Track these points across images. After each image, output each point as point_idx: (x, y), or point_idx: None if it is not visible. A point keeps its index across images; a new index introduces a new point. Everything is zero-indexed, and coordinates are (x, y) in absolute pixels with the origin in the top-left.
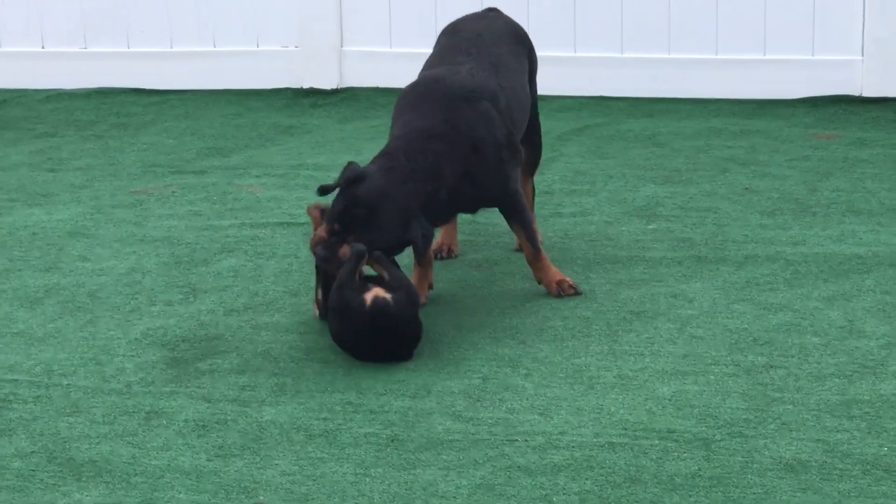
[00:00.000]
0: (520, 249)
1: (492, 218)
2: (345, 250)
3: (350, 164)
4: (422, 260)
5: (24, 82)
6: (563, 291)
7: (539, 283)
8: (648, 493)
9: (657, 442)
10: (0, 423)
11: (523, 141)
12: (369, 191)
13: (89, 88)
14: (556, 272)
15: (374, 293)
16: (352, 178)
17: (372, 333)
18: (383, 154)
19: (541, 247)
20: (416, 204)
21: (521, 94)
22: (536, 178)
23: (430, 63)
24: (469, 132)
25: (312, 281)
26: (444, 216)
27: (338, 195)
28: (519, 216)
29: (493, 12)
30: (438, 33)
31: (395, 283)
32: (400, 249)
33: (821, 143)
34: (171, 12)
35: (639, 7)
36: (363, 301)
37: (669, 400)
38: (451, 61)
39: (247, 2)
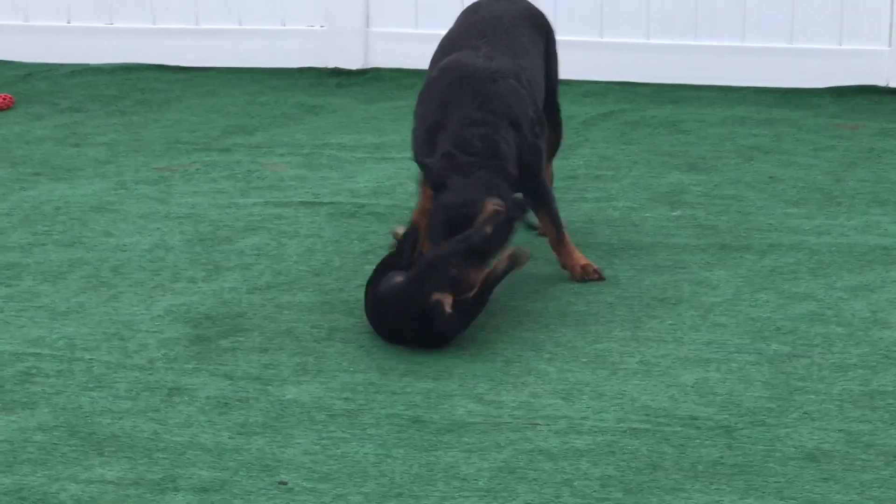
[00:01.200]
0: (543, 233)
1: None
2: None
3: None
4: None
5: (49, 57)
6: (588, 276)
7: (563, 267)
8: (670, 480)
9: (679, 429)
10: (23, 397)
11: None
12: (458, 191)
13: (114, 64)
14: (580, 257)
15: (440, 296)
16: (435, 187)
17: (402, 326)
18: (442, 156)
19: (565, 231)
20: (495, 186)
21: (538, 77)
22: (561, 162)
23: (446, 43)
24: (505, 111)
25: (340, 262)
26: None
27: (431, 212)
28: (544, 198)
29: None
30: None
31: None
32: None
33: (846, 133)
34: None
35: None
36: (428, 294)
37: (692, 387)
38: (468, 44)
39: None
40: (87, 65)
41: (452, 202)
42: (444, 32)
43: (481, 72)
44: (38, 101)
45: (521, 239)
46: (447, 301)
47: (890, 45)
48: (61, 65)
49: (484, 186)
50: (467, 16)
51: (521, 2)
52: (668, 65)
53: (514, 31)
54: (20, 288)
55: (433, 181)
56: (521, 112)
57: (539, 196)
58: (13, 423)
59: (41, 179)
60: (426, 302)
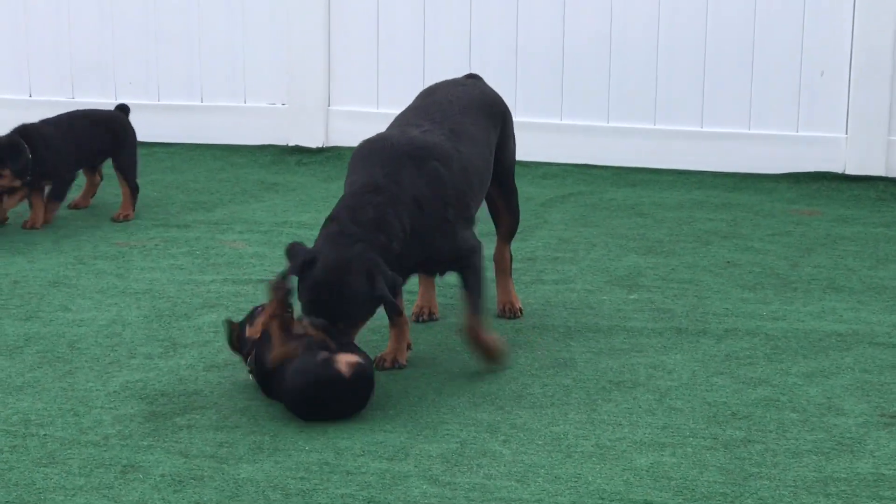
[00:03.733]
0: (501, 315)
1: None
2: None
3: (293, 245)
4: (395, 312)
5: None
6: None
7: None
8: None
9: None
10: None
11: (500, 208)
12: (325, 269)
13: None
14: (493, 338)
15: (346, 359)
16: (305, 264)
17: (355, 397)
18: (329, 220)
19: (481, 315)
20: (372, 260)
21: (481, 165)
22: (519, 244)
23: (396, 122)
24: (411, 188)
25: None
26: (402, 272)
27: (299, 284)
28: (469, 278)
29: (472, 79)
30: None
31: (344, 345)
32: (374, 312)
33: (803, 218)
34: (160, 65)
35: (625, 78)
36: (338, 370)
37: (647, 471)
38: (412, 123)
39: (235, 58)
40: None
41: (318, 281)
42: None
43: (404, 146)
44: None
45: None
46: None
47: (847, 133)
48: None
49: (355, 272)
50: (422, 97)
51: (478, 88)
52: (626, 148)
53: (463, 117)
54: None
55: (302, 256)
56: (432, 192)
57: (466, 275)
58: None
59: None
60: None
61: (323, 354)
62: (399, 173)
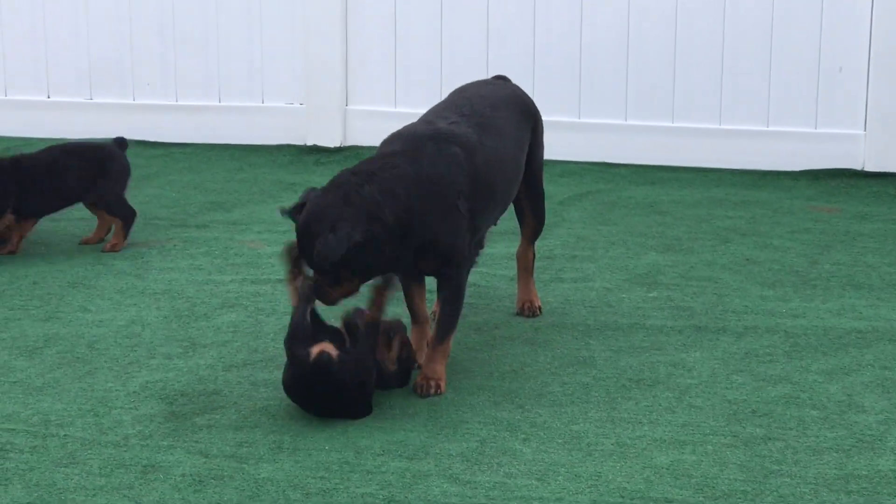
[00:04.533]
0: (521, 313)
1: (493, 281)
2: (291, 289)
3: (307, 189)
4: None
5: (28, 131)
6: (424, 390)
7: (420, 367)
8: None
9: None
10: None
11: (525, 209)
12: (306, 215)
13: (93, 139)
14: (440, 372)
15: (321, 348)
16: (295, 208)
17: (310, 388)
18: (342, 171)
19: (445, 342)
20: (357, 218)
21: (510, 161)
22: (538, 242)
23: (423, 117)
24: (430, 166)
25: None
26: (393, 252)
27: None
28: (447, 294)
29: (501, 80)
30: (442, 94)
31: (352, 343)
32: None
33: (822, 215)
34: (178, 66)
35: (644, 76)
36: (308, 354)
37: (667, 469)
38: (440, 116)
39: (253, 58)
40: (66, 139)
41: (298, 227)
42: (421, 111)
43: (426, 131)
44: None
45: (501, 319)
46: (325, 347)
47: (865, 129)
48: (40, 139)
49: (329, 217)
50: (453, 94)
51: (509, 87)
52: (645, 146)
53: (494, 112)
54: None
55: (302, 197)
56: (449, 175)
57: (448, 285)
58: None
59: (17, 254)
60: (308, 354)
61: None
62: (418, 150)
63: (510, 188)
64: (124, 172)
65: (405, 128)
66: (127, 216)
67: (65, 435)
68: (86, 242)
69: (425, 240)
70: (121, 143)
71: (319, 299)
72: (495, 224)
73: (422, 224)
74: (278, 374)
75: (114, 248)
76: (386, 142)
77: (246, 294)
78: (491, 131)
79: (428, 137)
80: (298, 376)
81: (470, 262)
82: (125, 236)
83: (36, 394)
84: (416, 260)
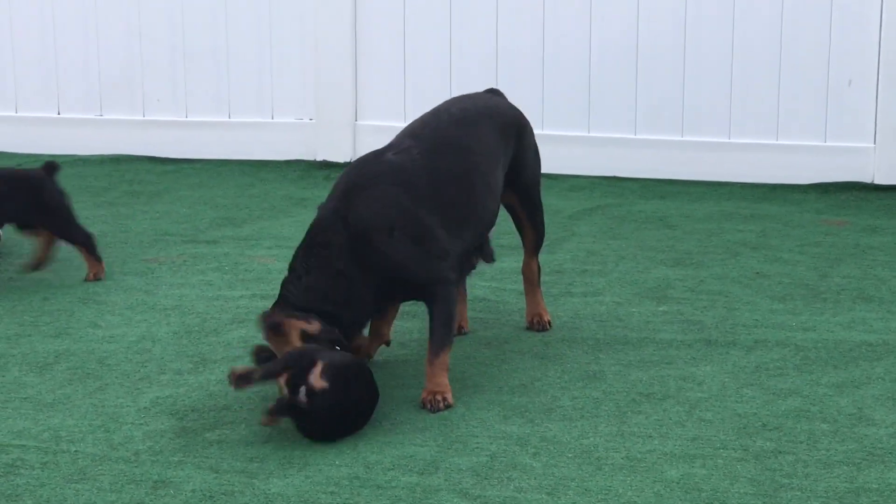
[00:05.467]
0: (530, 328)
1: (502, 295)
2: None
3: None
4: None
5: (39, 147)
6: (432, 405)
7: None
8: None
9: None
10: (7, 489)
11: (522, 222)
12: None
13: (103, 155)
14: (444, 385)
15: (308, 387)
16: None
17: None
18: (285, 281)
19: (442, 355)
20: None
21: (473, 177)
22: (548, 256)
23: (397, 136)
24: (355, 221)
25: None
26: (366, 298)
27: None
28: (434, 309)
29: (492, 93)
30: None
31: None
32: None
33: (832, 229)
34: (188, 81)
35: (653, 90)
36: (301, 401)
37: (678, 483)
38: (399, 139)
39: (263, 74)
40: (77, 156)
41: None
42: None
43: (359, 176)
44: None
45: (511, 334)
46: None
47: (875, 142)
48: (51, 155)
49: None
50: (429, 111)
51: (490, 101)
52: (655, 160)
53: (460, 129)
54: (6, 379)
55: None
56: (376, 218)
57: (434, 303)
58: None
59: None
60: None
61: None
62: (346, 207)
63: (480, 202)
64: (59, 198)
65: (353, 164)
66: (84, 240)
67: (75, 451)
68: (31, 268)
69: (389, 275)
70: (50, 167)
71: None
72: (485, 239)
73: (371, 270)
74: None
75: (97, 277)
76: (336, 183)
77: (256, 309)
78: (449, 150)
79: (355, 185)
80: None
81: (451, 280)
82: (96, 259)
83: (46, 410)
84: (392, 293)
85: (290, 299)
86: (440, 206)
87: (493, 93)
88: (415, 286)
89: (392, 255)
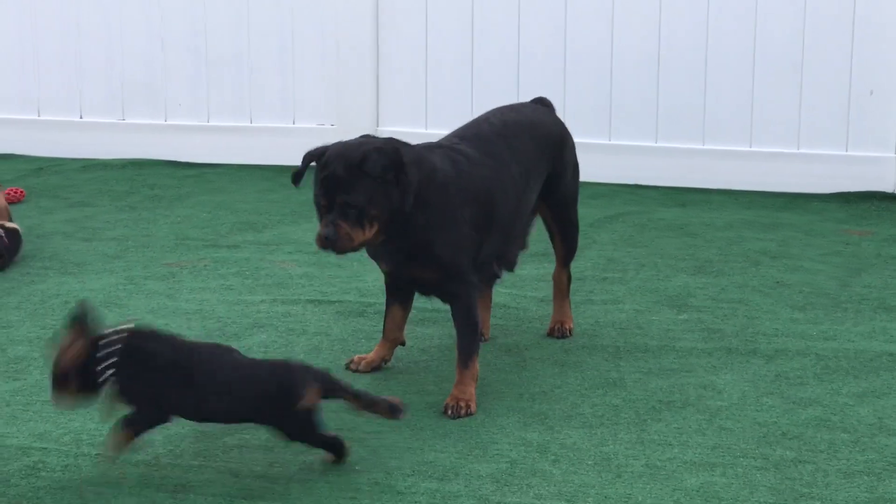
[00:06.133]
0: (551, 334)
1: (523, 303)
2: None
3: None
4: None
5: (61, 151)
6: (455, 411)
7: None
8: None
9: None
10: (28, 491)
11: (555, 236)
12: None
13: (125, 159)
14: (470, 394)
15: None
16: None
17: None
18: None
19: (471, 364)
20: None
21: (508, 190)
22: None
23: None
24: (445, 171)
25: (340, 359)
26: (391, 230)
27: None
28: (458, 309)
29: (540, 103)
30: (472, 116)
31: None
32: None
33: (853, 238)
34: (210, 86)
35: (673, 98)
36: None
37: (697, 491)
38: (451, 137)
39: (285, 79)
40: (98, 160)
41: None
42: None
43: (446, 142)
44: (48, 195)
45: (531, 341)
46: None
47: None
48: (73, 159)
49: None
50: (472, 121)
51: (531, 113)
52: (675, 168)
53: (501, 140)
54: (27, 381)
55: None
56: (453, 182)
57: (454, 314)
58: None
59: (50, 273)
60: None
61: None
62: (443, 153)
63: (509, 216)
64: None
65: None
66: None
67: (96, 454)
68: None
69: (421, 239)
70: None
71: (334, 246)
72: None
73: (424, 221)
74: None
75: None
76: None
77: (276, 314)
78: (486, 160)
79: (446, 147)
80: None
81: (474, 286)
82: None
83: (67, 413)
84: (412, 267)
85: None
86: (473, 211)
87: (541, 102)
88: (434, 265)
89: (445, 223)
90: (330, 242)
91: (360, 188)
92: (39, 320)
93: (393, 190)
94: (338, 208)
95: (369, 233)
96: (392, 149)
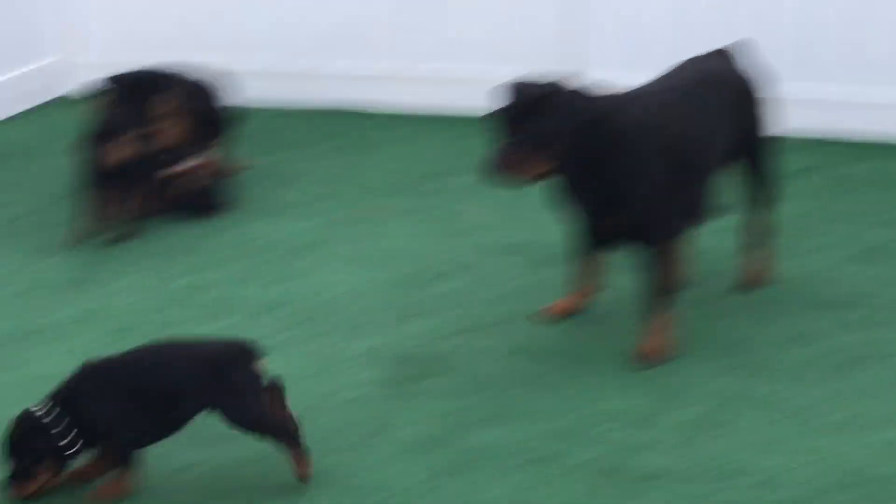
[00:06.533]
0: (745, 285)
1: (716, 254)
2: None
3: None
4: None
5: (262, 98)
6: (647, 360)
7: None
8: None
9: (875, 490)
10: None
11: (749, 183)
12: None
13: (323, 109)
14: (662, 341)
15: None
16: None
17: None
18: None
19: (659, 314)
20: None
21: (697, 139)
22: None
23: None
24: (626, 116)
25: (534, 311)
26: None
27: None
28: (654, 261)
29: (718, 54)
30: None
31: None
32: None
33: None
34: (409, 32)
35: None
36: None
37: (888, 447)
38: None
39: (484, 24)
40: (296, 109)
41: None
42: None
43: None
44: (249, 142)
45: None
46: None
47: None
48: (273, 107)
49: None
50: (655, 77)
51: (717, 65)
52: (870, 119)
53: (689, 88)
54: (228, 322)
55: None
56: (641, 137)
57: (647, 254)
58: None
59: (247, 217)
60: None
61: None
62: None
63: (706, 167)
64: None
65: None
66: None
67: (293, 396)
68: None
69: (617, 187)
70: None
71: (501, 171)
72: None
73: (620, 168)
74: (496, 343)
75: None
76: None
77: (466, 263)
78: (672, 113)
79: (642, 95)
80: None
81: (670, 234)
82: None
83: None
84: (607, 214)
85: None
86: (668, 160)
87: (721, 54)
88: (629, 218)
89: (618, 170)
90: (498, 168)
91: (540, 120)
92: (237, 264)
93: (576, 129)
94: (515, 137)
95: (542, 166)
96: (576, 88)
